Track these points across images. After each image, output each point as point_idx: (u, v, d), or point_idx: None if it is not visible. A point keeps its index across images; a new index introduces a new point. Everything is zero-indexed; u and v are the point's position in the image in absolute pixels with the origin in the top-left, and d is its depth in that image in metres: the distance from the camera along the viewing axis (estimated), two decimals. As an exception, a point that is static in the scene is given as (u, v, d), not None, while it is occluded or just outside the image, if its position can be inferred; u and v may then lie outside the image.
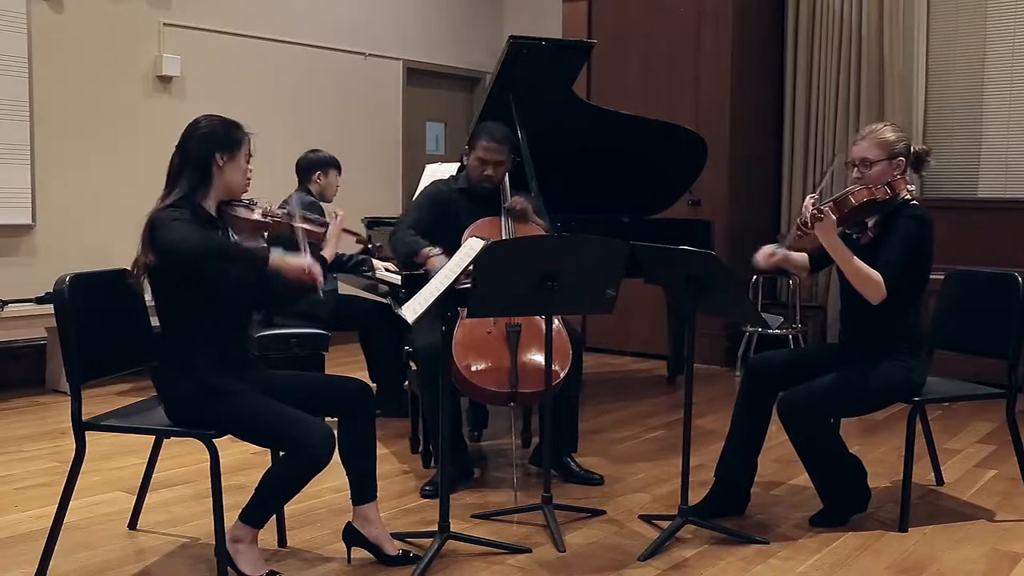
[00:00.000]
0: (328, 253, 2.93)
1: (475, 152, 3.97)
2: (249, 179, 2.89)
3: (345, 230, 3.27)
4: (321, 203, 4.97)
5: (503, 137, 3.97)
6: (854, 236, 3.34)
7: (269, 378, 2.90)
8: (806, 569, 3.01)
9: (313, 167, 5.03)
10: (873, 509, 3.47)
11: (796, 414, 3.29)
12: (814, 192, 3.29)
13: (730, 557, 3.09)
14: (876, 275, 3.18)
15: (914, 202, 3.32)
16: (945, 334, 3.70)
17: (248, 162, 2.87)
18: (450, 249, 3.37)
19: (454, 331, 3.57)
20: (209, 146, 2.78)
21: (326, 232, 2.95)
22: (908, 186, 3.31)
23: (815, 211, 3.15)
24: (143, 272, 2.74)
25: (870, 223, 3.32)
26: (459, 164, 4.21)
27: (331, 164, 5.09)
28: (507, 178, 4.03)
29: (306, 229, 2.88)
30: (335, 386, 2.98)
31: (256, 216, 2.85)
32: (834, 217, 3.16)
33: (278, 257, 2.75)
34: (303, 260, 2.77)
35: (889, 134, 3.31)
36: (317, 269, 2.77)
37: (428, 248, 3.82)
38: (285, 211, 2.95)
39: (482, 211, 3.97)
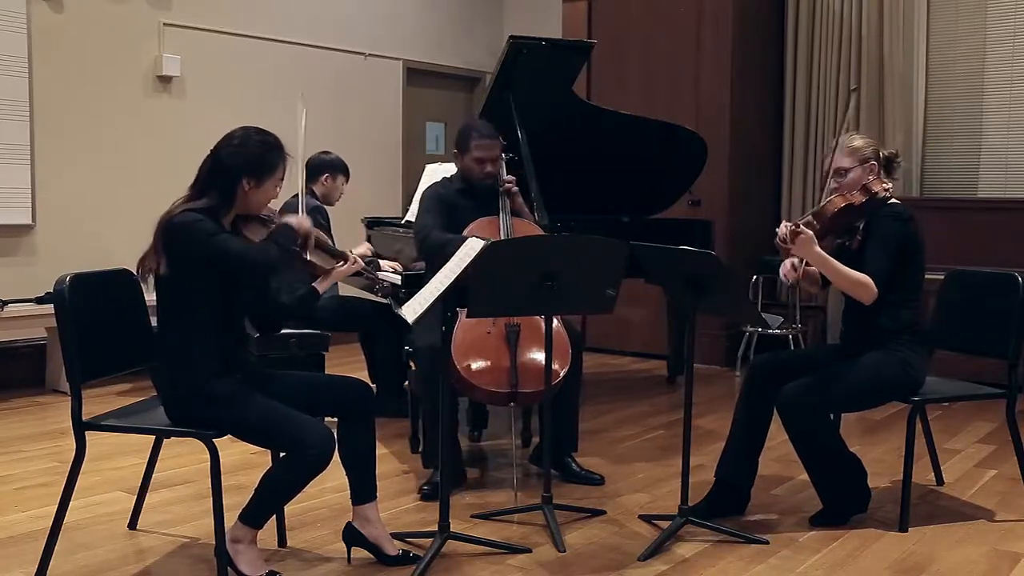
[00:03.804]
0: (321, 287, 2.91)
1: (470, 154, 3.98)
2: (275, 196, 2.87)
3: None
4: (326, 207, 4.97)
5: (492, 132, 4.02)
6: (847, 244, 3.37)
7: (269, 378, 2.90)
8: (806, 569, 3.01)
9: (322, 169, 5.03)
10: (873, 509, 3.47)
11: (794, 408, 3.30)
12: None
13: (730, 557, 3.09)
14: (863, 277, 3.23)
15: (893, 200, 3.36)
16: (945, 334, 3.70)
17: (277, 186, 2.84)
18: None
19: (454, 331, 3.57)
20: (239, 169, 2.74)
21: (331, 269, 2.92)
22: (884, 185, 3.34)
23: (793, 227, 3.20)
24: (149, 272, 2.74)
25: (859, 227, 3.34)
26: (454, 170, 4.22)
27: (340, 169, 5.10)
28: (503, 166, 4.05)
29: (316, 264, 2.86)
30: (335, 386, 2.98)
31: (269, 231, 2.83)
32: (812, 232, 3.19)
33: (294, 223, 2.77)
34: (306, 221, 2.80)
35: (857, 142, 3.42)
36: (312, 233, 2.81)
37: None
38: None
39: (482, 209, 3.98)
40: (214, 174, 2.76)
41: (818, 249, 3.21)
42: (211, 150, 2.80)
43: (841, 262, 3.27)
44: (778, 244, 3.28)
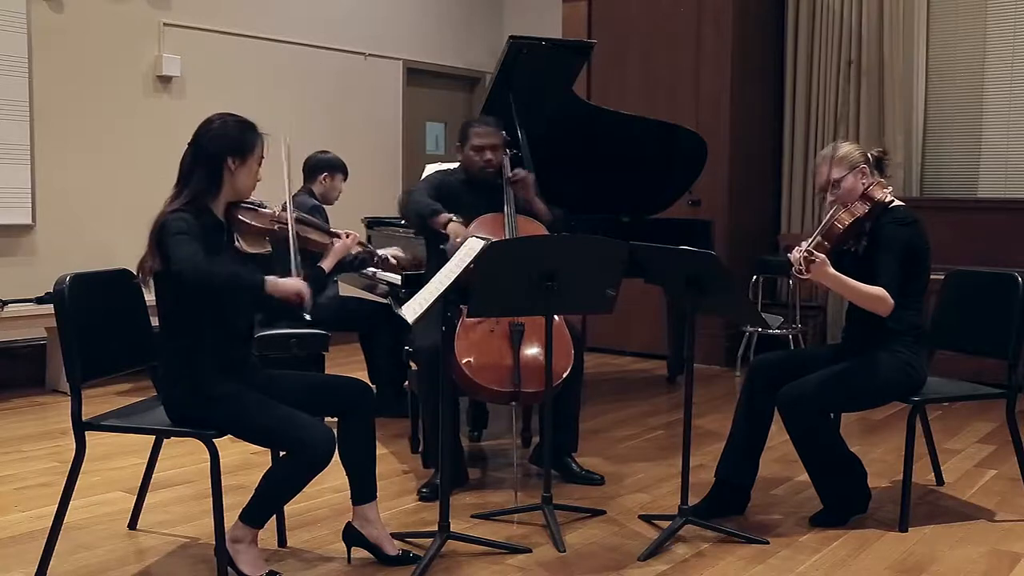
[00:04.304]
0: (326, 265, 2.94)
1: (469, 143, 4.00)
2: (259, 179, 2.89)
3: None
4: (324, 206, 4.98)
5: (491, 122, 4.05)
6: (851, 249, 3.36)
7: (269, 378, 2.90)
8: (806, 569, 3.01)
9: (320, 168, 5.04)
10: (873, 509, 3.47)
11: (795, 407, 3.30)
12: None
13: (730, 557, 3.09)
14: (879, 291, 3.20)
15: (896, 204, 3.35)
16: (945, 334, 3.70)
17: (260, 165, 2.87)
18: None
19: (456, 330, 3.58)
20: (221, 149, 2.77)
21: (331, 244, 2.93)
22: (885, 189, 3.34)
23: (806, 253, 3.16)
24: (149, 274, 2.74)
25: (865, 231, 3.34)
26: (457, 164, 4.23)
27: (338, 167, 5.11)
28: (507, 160, 4.04)
29: (311, 239, 2.87)
30: (335, 386, 2.98)
31: (264, 223, 2.85)
32: (824, 255, 3.17)
33: (271, 282, 2.69)
34: (297, 285, 2.73)
35: (842, 149, 3.38)
36: (307, 292, 2.72)
37: (447, 214, 3.80)
38: (294, 216, 2.93)
39: (484, 203, 3.97)
40: (198, 161, 2.78)
41: (832, 271, 3.18)
42: (189, 142, 2.82)
43: (844, 266, 3.26)
44: (793, 274, 3.22)
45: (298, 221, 2.90)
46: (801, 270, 3.17)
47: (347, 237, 2.99)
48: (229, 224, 2.83)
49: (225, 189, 2.81)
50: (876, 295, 3.21)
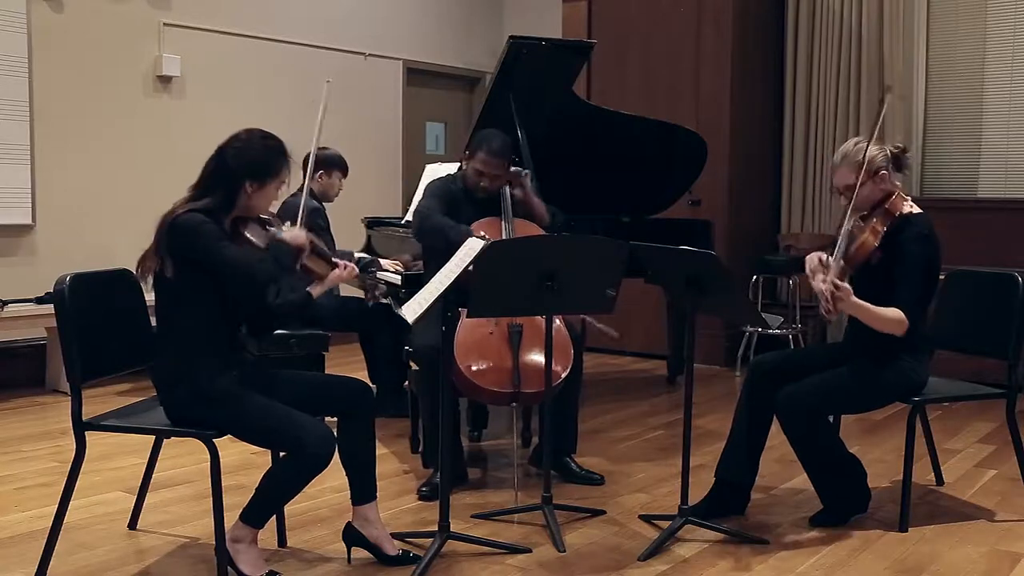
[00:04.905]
0: (315, 292, 2.92)
1: (474, 163, 3.97)
2: (276, 199, 2.88)
3: None
4: (325, 204, 4.96)
5: (501, 149, 3.94)
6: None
7: (269, 378, 2.91)
8: (806, 569, 3.01)
9: (316, 166, 4.98)
10: (873, 509, 3.47)
11: (794, 411, 3.29)
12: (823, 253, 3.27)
13: (730, 557, 3.09)
14: (896, 314, 3.16)
15: (916, 212, 3.30)
16: (945, 334, 3.70)
17: (280, 187, 2.86)
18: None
19: (455, 331, 3.57)
20: (240, 172, 2.76)
21: (326, 275, 2.92)
22: (906, 200, 3.30)
23: (832, 287, 3.07)
24: (149, 272, 2.74)
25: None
26: (459, 166, 4.22)
27: (335, 164, 5.03)
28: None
29: (310, 268, 2.86)
30: (335, 386, 2.98)
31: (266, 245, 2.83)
32: (848, 286, 3.11)
33: (285, 238, 2.77)
34: (301, 236, 2.80)
35: (865, 154, 3.25)
36: (307, 246, 2.81)
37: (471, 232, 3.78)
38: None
39: (484, 211, 3.98)
40: (217, 175, 2.78)
41: (856, 301, 3.13)
42: (216, 150, 2.81)
43: (856, 275, 3.24)
44: (823, 313, 3.14)
45: (299, 250, 2.87)
46: (830, 309, 3.09)
47: (344, 270, 2.93)
48: (232, 237, 2.82)
49: (238, 208, 2.81)
50: (895, 319, 3.16)
